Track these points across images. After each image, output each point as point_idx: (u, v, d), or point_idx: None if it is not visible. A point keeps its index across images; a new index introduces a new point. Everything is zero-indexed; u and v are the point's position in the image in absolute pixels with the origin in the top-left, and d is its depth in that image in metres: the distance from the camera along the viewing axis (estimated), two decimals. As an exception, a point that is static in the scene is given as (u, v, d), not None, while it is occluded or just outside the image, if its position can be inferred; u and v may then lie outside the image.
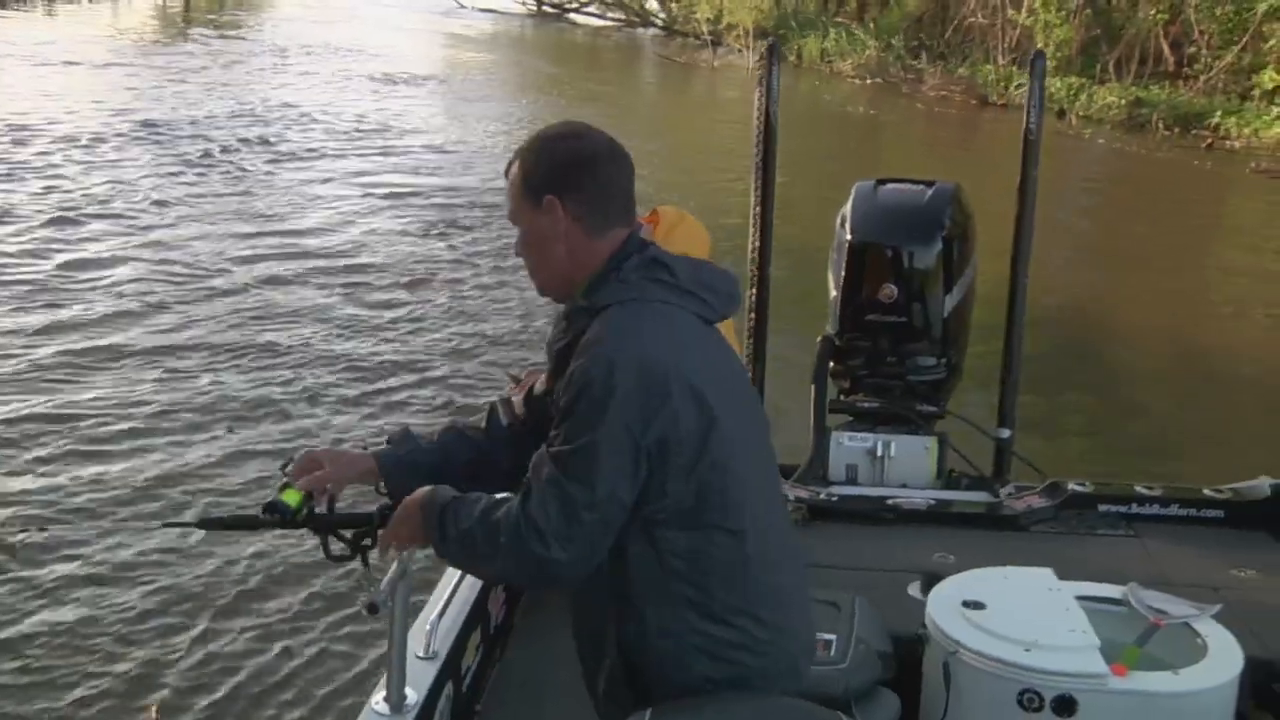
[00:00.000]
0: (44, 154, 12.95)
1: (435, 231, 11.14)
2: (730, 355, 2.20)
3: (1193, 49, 22.19)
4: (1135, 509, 3.74)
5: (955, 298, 4.02)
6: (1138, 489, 3.79)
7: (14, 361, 7.17)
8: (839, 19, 29.33)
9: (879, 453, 3.93)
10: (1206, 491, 3.79)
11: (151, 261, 9.45)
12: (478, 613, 2.83)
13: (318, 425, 6.64)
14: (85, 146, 13.49)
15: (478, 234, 11.06)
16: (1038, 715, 2.38)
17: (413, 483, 2.11)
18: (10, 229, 10.04)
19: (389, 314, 8.67)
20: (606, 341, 1.95)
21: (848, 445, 3.97)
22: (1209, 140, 19.35)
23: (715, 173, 13.88)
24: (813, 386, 4.04)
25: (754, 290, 4.12)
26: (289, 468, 2.22)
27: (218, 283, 9.08)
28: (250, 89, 18.83)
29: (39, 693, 4.24)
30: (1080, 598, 2.60)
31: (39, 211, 10.62)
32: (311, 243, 10.51)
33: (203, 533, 2.56)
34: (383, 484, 2.25)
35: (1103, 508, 3.75)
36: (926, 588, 2.75)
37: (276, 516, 2.14)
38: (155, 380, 7.08)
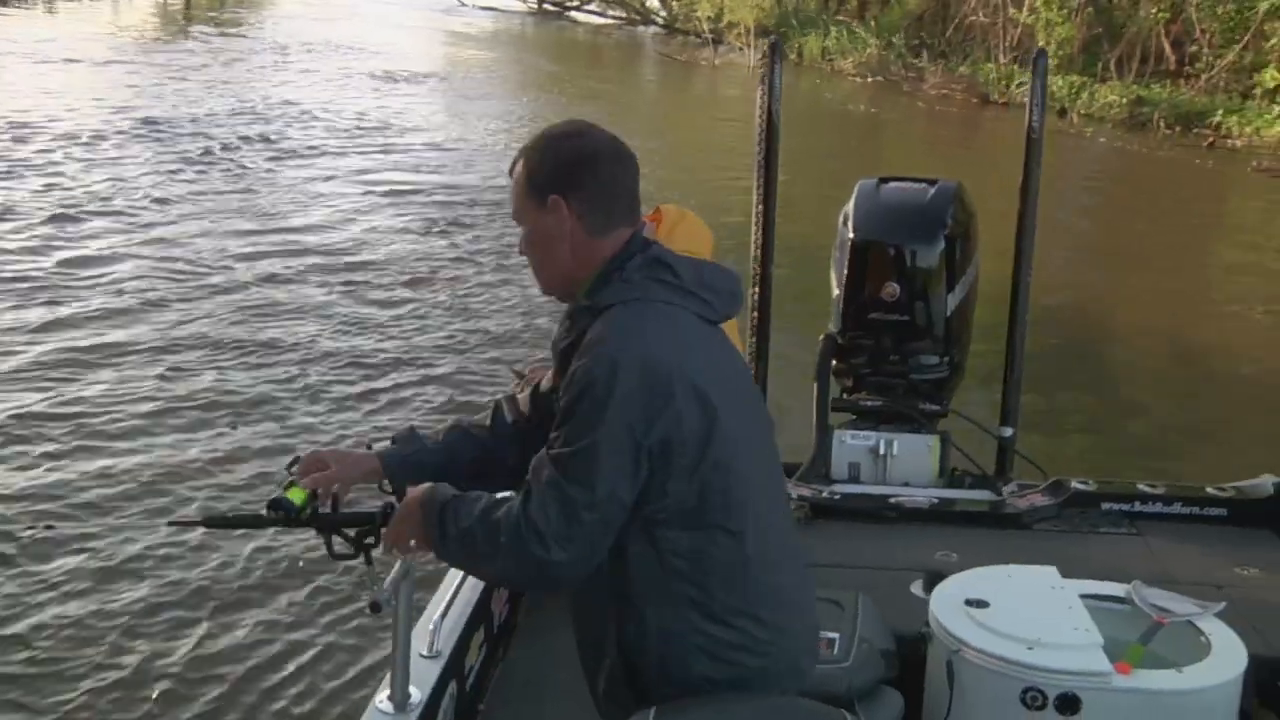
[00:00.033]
0: (45, 151, 12.95)
1: (437, 229, 11.14)
2: (733, 355, 2.20)
3: (1194, 48, 22.20)
4: (1138, 507, 3.74)
5: (958, 296, 4.01)
6: (1141, 487, 3.79)
7: (17, 358, 7.17)
8: (840, 17, 29.34)
9: (881, 451, 3.92)
10: (1209, 490, 3.79)
11: (153, 259, 9.45)
12: (481, 612, 2.83)
13: (320, 422, 6.64)
14: (86, 144, 13.49)
15: (479, 232, 11.07)
16: (1041, 713, 2.37)
17: (417, 482, 2.11)
18: (11, 226, 10.04)
19: (391, 311, 8.67)
20: (609, 342, 1.94)
21: (850, 443, 3.96)
22: (1210, 139, 19.35)
23: (716, 171, 13.88)
24: (815, 385, 4.04)
25: (756, 288, 4.12)
26: (294, 466, 2.22)
27: (219, 280, 9.08)
28: (251, 86, 18.83)
29: (44, 688, 4.24)
30: (1084, 596, 2.60)
31: (40, 209, 10.61)
32: (313, 240, 10.51)
33: (208, 530, 2.57)
34: (387, 483, 2.25)
35: (1106, 506, 3.75)
36: (929, 586, 2.75)
37: (281, 514, 2.14)
38: (157, 376, 7.08)
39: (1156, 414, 7.89)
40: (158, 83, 18.37)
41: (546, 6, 37.69)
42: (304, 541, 4.82)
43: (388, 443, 2.32)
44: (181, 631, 4.62)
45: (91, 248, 9.62)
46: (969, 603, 2.55)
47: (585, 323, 2.01)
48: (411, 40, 28.32)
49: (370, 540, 2.17)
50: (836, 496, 3.76)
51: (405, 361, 7.68)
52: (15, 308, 8.09)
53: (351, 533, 2.20)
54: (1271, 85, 20.03)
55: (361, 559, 2.17)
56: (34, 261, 9.13)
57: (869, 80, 25.33)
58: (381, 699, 2.37)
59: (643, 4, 36.24)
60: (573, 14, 37.43)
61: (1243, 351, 9.46)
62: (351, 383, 7.26)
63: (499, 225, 11.05)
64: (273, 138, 14.86)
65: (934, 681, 2.54)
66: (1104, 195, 16.06)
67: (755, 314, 4.14)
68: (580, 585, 2.04)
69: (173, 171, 12.60)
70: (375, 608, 2.14)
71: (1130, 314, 10.43)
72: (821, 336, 4.11)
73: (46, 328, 7.75)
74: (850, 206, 4.09)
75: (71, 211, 10.64)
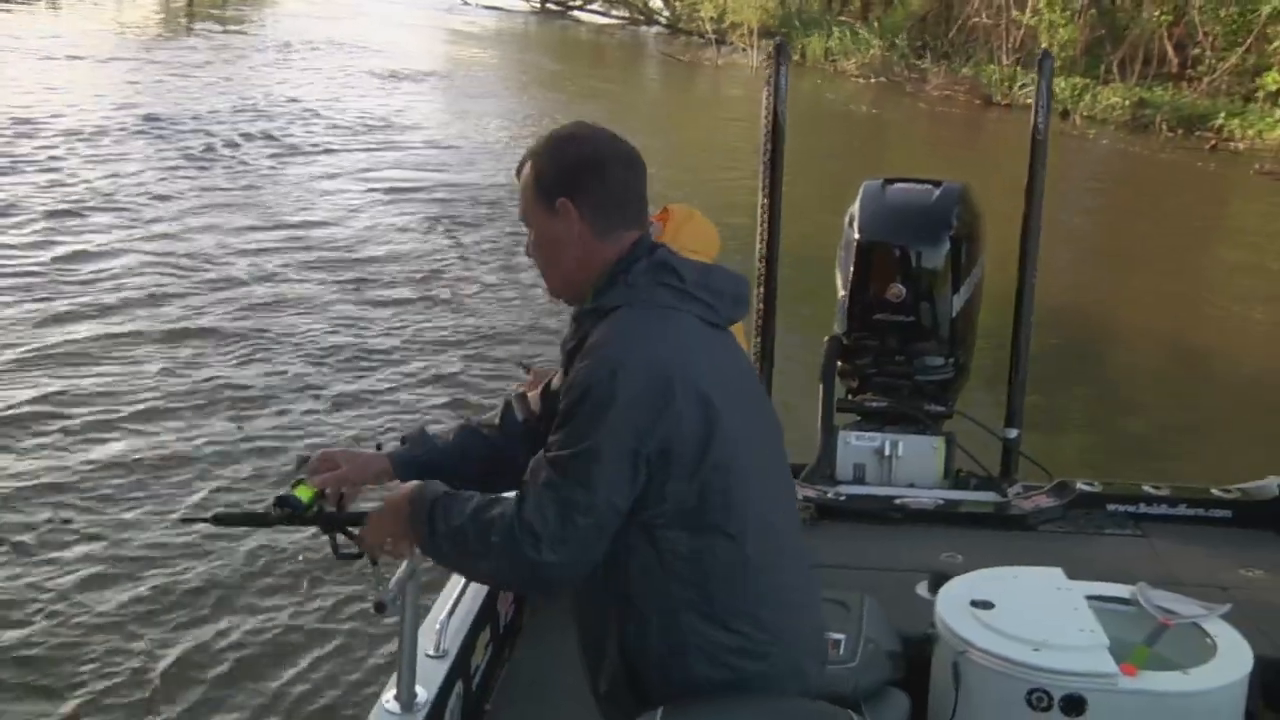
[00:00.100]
0: (48, 147, 12.94)
1: (440, 228, 11.14)
2: (739, 357, 2.19)
3: (1197, 50, 22.19)
4: (1143, 509, 3.74)
5: (963, 297, 4.02)
6: (1145, 489, 3.80)
7: (19, 350, 7.19)
8: (843, 18, 29.32)
9: (887, 452, 3.93)
10: (1214, 491, 3.80)
11: (155, 255, 9.45)
12: (487, 612, 2.83)
13: (323, 417, 6.65)
14: (89, 140, 13.48)
15: (482, 229, 11.07)
16: (1047, 715, 2.37)
17: None
18: (15, 221, 10.03)
19: (394, 308, 8.68)
20: (611, 345, 1.94)
21: (855, 444, 3.97)
22: (1212, 142, 19.35)
23: (719, 170, 13.89)
24: (820, 386, 4.04)
25: (762, 289, 4.13)
26: (305, 465, 2.22)
27: (222, 276, 9.09)
28: (253, 84, 18.82)
29: (51, 681, 4.25)
30: (1089, 597, 2.60)
31: (43, 205, 10.60)
32: (316, 236, 10.52)
33: (215, 527, 2.57)
34: (397, 485, 2.25)
35: (1111, 507, 3.75)
36: (934, 587, 2.75)
37: (287, 510, 2.14)
38: (160, 371, 7.09)
39: (1160, 415, 7.90)
40: (160, 79, 18.36)
41: (549, 6, 37.66)
42: (313, 540, 4.82)
43: (398, 443, 2.32)
44: (187, 627, 4.63)
45: (94, 243, 9.61)
46: (974, 604, 2.55)
47: (590, 325, 2.01)
48: (414, 39, 28.31)
49: None
50: (842, 497, 3.77)
51: (407, 358, 7.69)
52: (18, 302, 8.10)
53: (356, 532, 2.20)
54: (1274, 88, 20.03)
55: (366, 559, 2.17)
56: (36, 256, 9.12)
57: (872, 81, 25.32)
58: (388, 698, 2.38)
59: (646, 4, 36.22)
60: (576, 13, 37.41)
61: (1244, 352, 9.48)
62: (353, 379, 7.26)
63: (502, 223, 11.06)
64: (275, 135, 14.85)
65: (939, 682, 2.54)
66: (1106, 197, 16.06)
67: (760, 314, 4.14)
68: (580, 586, 2.04)
69: (175, 169, 12.59)
70: (380, 608, 2.13)
71: (1133, 315, 10.44)
72: (827, 337, 4.12)
73: (49, 322, 7.75)
74: (855, 207, 4.09)
75: (74, 207, 10.63)
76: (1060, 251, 10.58)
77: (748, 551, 1.98)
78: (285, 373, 7.28)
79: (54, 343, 7.38)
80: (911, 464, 3.94)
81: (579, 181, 2.04)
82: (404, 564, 2.19)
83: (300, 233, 10.60)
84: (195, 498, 5.57)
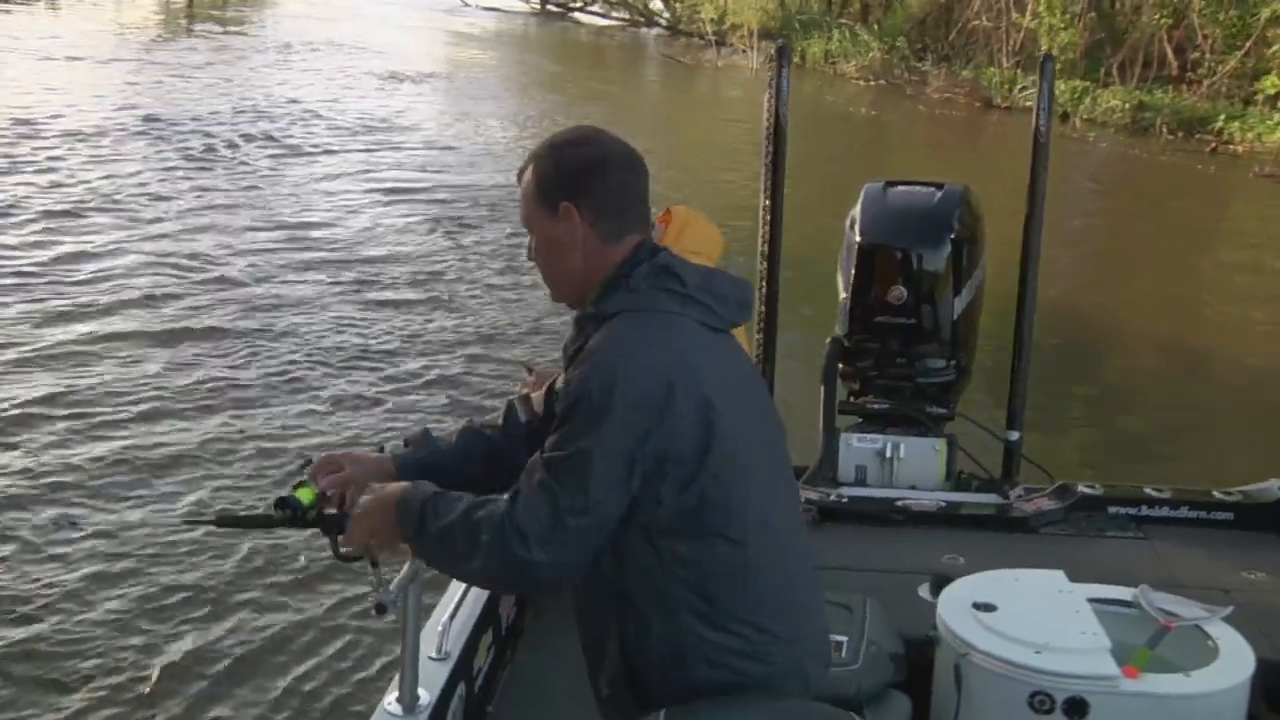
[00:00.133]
0: (48, 148, 12.93)
1: (441, 229, 11.14)
2: (741, 361, 2.18)
3: (1196, 54, 22.19)
4: (1145, 511, 3.74)
5: (964, 300, 4.02)
6: (1147, 491, 3.80)
7: (20, 350, 7.18)
8: (843, 20, 29.31)
9: (888, 454, 3.93)
10: (1216, 494, 3.80)
11: (155, 255, 9.45)
12: (489, 614, 2.83)
13: (323, 417, 6.65)
14: (89, 140, 13.47)
15: (483, 231, 11.07)
16: (1049, 717, 2.38)
17: None
18: (15, 221, 10.03)
19: (394, 309, 8.67)
20: (609, 350, 1.94)
21: (857, 447, 3.97)
22: (1212, 145, 19.35)
23: (719, 172, 13.90)
24: (822, 388, 4.04)
25: (764, 291, 4.13)
26: (307, 467, 2.22)
27: (223, 278, 9.08)
28: (253, 85, 18.81)
29: (51, 681, 4.26)
30: (1091, 600, 2.60)
31: (43, 205, 10.60)
32: (316, 237, 10.52)
33: (217, 528, 2.57)
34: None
35: (1112, 510, 3.75)
36: (936, 589, 2.75)
37: (288, 512, 2.14)
38: (160, 371, 7.09)
39: (1160, 416, 7.90)
40: (160, 80, 18.36)
41: (549, 7, 37.65)
42: (315, 541, 4.82)
43: (400, 444, 2.31)
44: (189, 626, 4.63)
45: (94, 243, 9.61)
46: (976, 606, 2.55)
47: (592, 329, 2.01)
48: (414, 40, 28.31)
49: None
50: (843, 499, 3.77)
51: (407, 359, 7.68)
52: (18, 302, 8.09)
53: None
54: (1273, 92, 20.03)
55: (366, 560, 2.17)
56: (36, 256, 9.12)
57: (872, 83, 25.31)
58: (390, 700, 2.37)
59: (646, 5, 36.21)
60: (576, 15, 37.40)
61: (1245, 354, 9.48)
62: (354, 380, 7.26)
63: (502, 225, 11.06)
64: (275, 136, 14.85)
65: (941, 685, 2.54)
66: (1107, 199, 16.07)
67: (762, 317, 4.14)
68: (581, 587, 2.04)
69: (175, 168, 12.59)
70: (381, 609, 2.13)
71: (1133, 317, 10.45)
72: (828, 339, 4.12)
73: (49, 322, 7.75)
74: (857, 210, 4.10)
75: (74, 207, 10.63)
76: (1061, 254, 10.59)
77: (749, 554, 1.97)
78: (285, 373, 7.28)
79: (54, 343, 7.39)
80: (913, 466, 3.94)
81: (581, 185, 2.04)
82: (405, 566, 2.19)
83: (300, 233, 10.59)
84: (196, 497, 5.58)
